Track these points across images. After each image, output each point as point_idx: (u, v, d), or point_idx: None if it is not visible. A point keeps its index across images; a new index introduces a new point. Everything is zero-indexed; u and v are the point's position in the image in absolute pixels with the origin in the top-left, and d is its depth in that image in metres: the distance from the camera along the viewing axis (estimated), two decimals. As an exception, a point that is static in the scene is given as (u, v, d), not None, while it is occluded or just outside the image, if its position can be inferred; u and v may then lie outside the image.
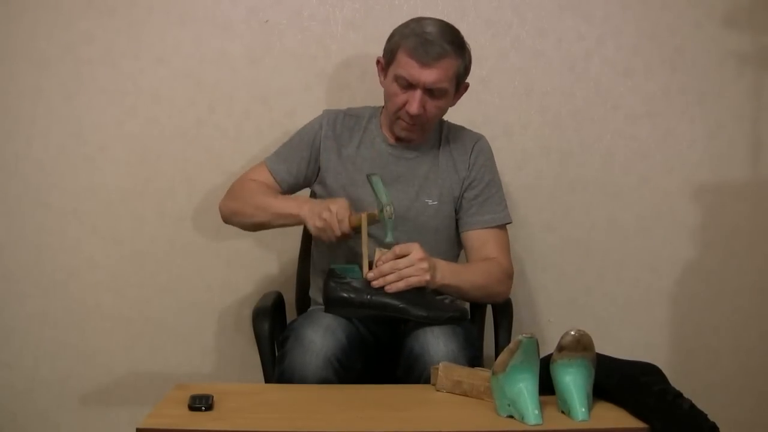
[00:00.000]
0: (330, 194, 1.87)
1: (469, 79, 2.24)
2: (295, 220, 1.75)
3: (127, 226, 2.29)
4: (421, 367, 1.58)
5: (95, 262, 2.30)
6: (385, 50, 1.82)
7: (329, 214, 1.65)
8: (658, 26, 2.27)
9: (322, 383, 1.54)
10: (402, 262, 1.62)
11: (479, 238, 1.85)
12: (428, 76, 1.73)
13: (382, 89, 1.85)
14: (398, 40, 1.78)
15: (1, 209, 2.28)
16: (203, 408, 1.37)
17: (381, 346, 1.80)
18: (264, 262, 2.30)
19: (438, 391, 1.48)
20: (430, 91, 1.75)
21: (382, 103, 1.90)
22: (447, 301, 1.76)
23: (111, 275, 2.31)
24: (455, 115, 2.25)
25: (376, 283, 1.61)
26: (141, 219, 2.29)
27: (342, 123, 1.92)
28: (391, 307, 1.60)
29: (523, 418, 1.31)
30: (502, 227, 1.89)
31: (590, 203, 2.32)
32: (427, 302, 1.63)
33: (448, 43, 1.74)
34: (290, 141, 1.95)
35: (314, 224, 1.68)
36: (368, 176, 1.69)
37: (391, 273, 1.61)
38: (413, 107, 1.75)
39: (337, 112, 1.95)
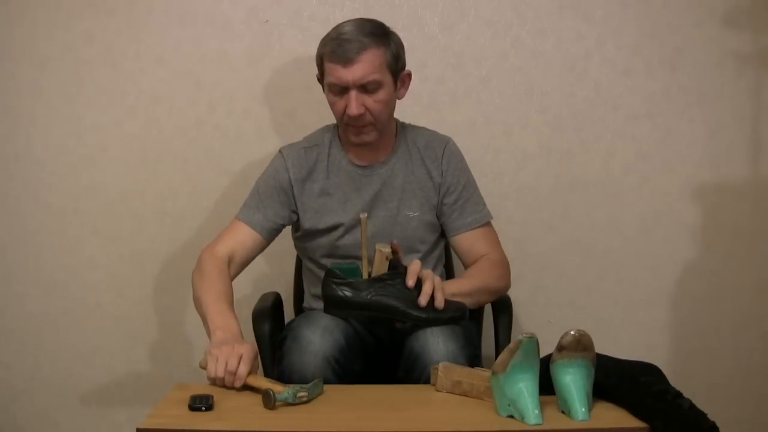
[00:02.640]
0: (310, 235, 1.86)
1: (469, 79, 2.26)
2: (208, 330, 1.62)
3: (127, 226, 2.29)
4: (421, 366, 1.57)
5: (95, 262, 2.30)
6: (317, 64, 1.81)
7: (218, 361, 1.48)
8: (658, 26, 2.27)
9: None
10: (431, 274, 1.61)
11: (468, 240, 1.87)
12: (353, 73, 1.71)
13: None
14: (320, 50, 1.78)
15: (1, 209, 2.29)
16: (203, 408, 1.36)
17: (381, 347, 1.80)
18: (262, 262, 2.30)
19: (438, 391, 1.48)
20: (363, 88, 1.73)
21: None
22: None
23: (111, 275, 2.31)
24: (456, 115, 2.26)
25: (423, 302, 1.58)
26: (141, 219, 2.29)
27: (306, 159, 1.88)
28: (391, 308, 1.59)
29: (523, 418, 1.31)
30: (488, 225, 1.91)
31: (590, 203, 2.32)
32: (426, 304, 1.62)
33: (366, 36, 1.73)
34: (256, 190, 1.89)
35: (207, 359, 1.51)
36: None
37: (436, 290, 1.59)
38: (352, 109, 1.73)
39: (297, 149, 1.90)
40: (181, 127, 2.27)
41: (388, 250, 1.61)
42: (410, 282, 1.58)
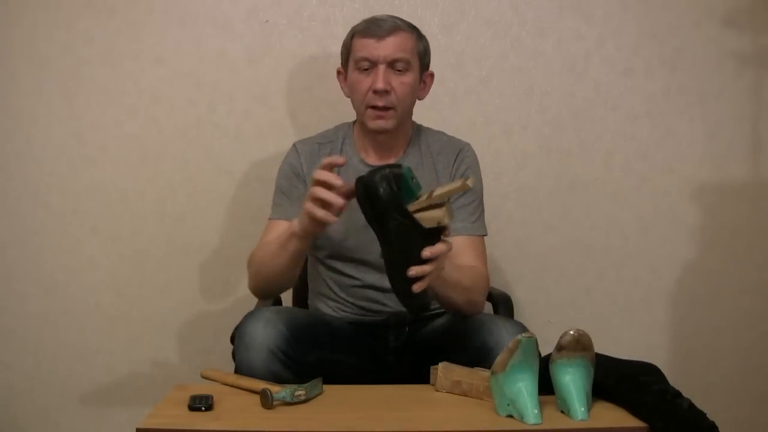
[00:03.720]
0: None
1: (469, 79, 2.27)
2: (295, 236, 1.60)
3: (127, 226, 2.29)
4: (490, 346, 1.55)
5: (95, 262, 2.30)
6: (341, 52, 1.83)
7: (313, 189, 1.49)
8: (658, 26, 2.27)
9: (271, 377, 1.52)
10: (442, 261, 1.48)
11: (461, 245, 1.74)
12: (385, 48, 1.71)
13: None
14: (350, 33, 1.80)
15: (1, 209, 2.29)
16: (203, 408, 1.36)
17: (380, 348, 1.80)
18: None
19: (437, 391, 1.48)
20: (392, 67, 1.73)
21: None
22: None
23: (111, 275, 2.31)
24: (456, 115, 2.26)
25: (413, 275, 1.42)
26: (141, 219, 2.29)
27: (319, 154, 1.83)
28: (389, 248, 1.44)
29: (522, 418, 1.31)
30: (479, 237, 1.82)
31: (590, 203, 2.32)
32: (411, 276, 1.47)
33: (400, 21, 1.76)
34: (279, 189, 1.85)
35: (307, 211, 1.50)
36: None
37: (428, 276, 1.43)
38: (378, 82, 1.71)
39: (311, 144, 1.87)
40: (181, 127, 2.27)
41: (448, 221, 1.43)
42: (426, 254, 1.42)
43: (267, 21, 2.24)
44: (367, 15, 2.20)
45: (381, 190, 1.43)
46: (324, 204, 1.49)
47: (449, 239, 1.48)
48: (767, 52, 2.26)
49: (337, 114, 2.19)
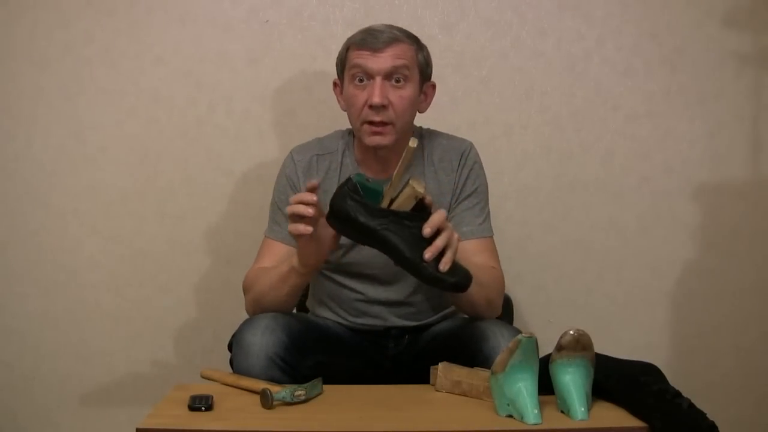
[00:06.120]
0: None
1: (469, 79, 2.27)
2: (294, 271, 1.60)
3: (127, 226, 2.30)
4: (486, 353, 1.53)
5: (95, 262, 2.30)
6: (336, 64, 1.75)
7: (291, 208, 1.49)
8: (658, 26, 2.27)
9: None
10: (450, 230, 1.45)
11: (471, 248, 1.71)
12: (383, 61, 1.64)
13: None
14: (346, 45, 1.72)
15: (1, 209, 2.29)
16: (203, 408, 1.37)
17: (375, 364, 1.79)
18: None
19: (437, 391, 1.48)
20: (390, 79, 1.65)
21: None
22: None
23: (111, 275, 2.31)
24: (456, 115, 2.26)
25: (429, 257, 1.41)
26: (141, 219, 2.29)
27: (317, 167, 1.77)
28: (394, 248, 1.42)
29: (522, 418, 1.31)
30: (489, 238, 1.78)
31: (590, 203, 2.32)
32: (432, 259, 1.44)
33: (399, 31, 1.68)
34: (277, 203, 1.78)
35: (291, 231, 1.51)
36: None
37: (447, 247, 1.42)
38: (375, 96, 1.62)
39: (309, 155, 1.79)
40: (181, 127, 2.27)
41: (421, 189, 1.43)
42: (427, 231, 1.41)
43: (267, 21, 2.24)
44: (367, 15, 2.23)
45: (348, 207, 1.43)
46: (300, 219, 1.48)
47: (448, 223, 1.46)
48: (767, 52, 2.26)
49: (337, 114, 2.19)
